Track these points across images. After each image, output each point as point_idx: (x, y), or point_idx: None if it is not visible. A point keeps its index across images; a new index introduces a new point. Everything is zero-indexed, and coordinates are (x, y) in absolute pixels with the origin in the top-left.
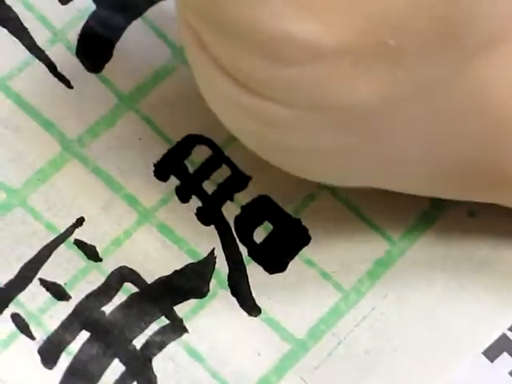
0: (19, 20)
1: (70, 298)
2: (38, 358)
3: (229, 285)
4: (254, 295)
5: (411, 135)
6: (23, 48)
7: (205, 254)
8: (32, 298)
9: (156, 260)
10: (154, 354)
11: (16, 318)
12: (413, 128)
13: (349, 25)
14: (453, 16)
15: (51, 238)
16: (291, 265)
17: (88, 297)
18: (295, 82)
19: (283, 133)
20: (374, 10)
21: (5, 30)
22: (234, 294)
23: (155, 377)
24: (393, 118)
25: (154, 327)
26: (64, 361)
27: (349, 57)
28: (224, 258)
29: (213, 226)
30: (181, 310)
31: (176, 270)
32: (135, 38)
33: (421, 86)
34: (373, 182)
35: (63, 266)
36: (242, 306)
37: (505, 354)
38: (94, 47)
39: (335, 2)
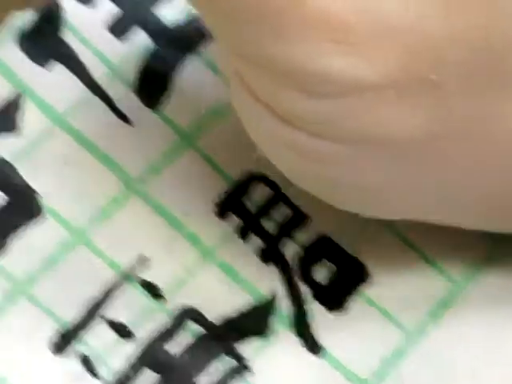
0: (77, 56)
1: (135, 337)
2: None
3: (291, 324)
4: (316, 334)
5: (452, 167)
6: (81, 84)
7: (267, 293)
8: (97, 337)
9: (219, 299)
10: None
11: (81, 357)
12: (451, 161)
13: (389, 58)
14: (493, 48)
15: (115, 277)
16: (352, 303)
17: (152, 336)
18: (336, 115)
19: (327, 167)
20: (413, 41)
21: (63, 67)
22: (296, 333)
23: None
24: (434, 151)
25: (218, 367)
26: None
27: (392, 90)
28: (286, 297)
29: (274, 265)
30: (244, 349)
31: (239, 310)
32: (193, 73)
33: (462, 121)
34: (417, 214)
35: (127, 305)
36: (304, 345)
37: None
38: (152, 83)
39: (375, 35)
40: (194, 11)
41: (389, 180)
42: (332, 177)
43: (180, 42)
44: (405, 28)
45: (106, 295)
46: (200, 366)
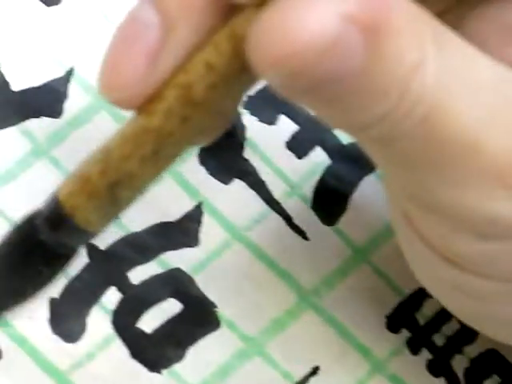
0: (257, 174)
1: None
2: None
3: None
4: None
5: None
6: (261, 200)
7: None
8: None
9: None
10: None
11: None
12: None
13: None
14: None
15: None
16: None
17: None
18: (503, 255)
19: (489, 304)
20: None
21: (244, 184)
22: None
23: None
24: None
25: None
26: None
27: None
28: None
29: (443, 379)
30: None
31: None
32: (369, 191)
33: None
34: None
35: None
36: None
37: None
38: (330, 200)
39: None
40: None
41: None
42: (493, 313)
43: (357, 160)
44: None
45: None
46: None
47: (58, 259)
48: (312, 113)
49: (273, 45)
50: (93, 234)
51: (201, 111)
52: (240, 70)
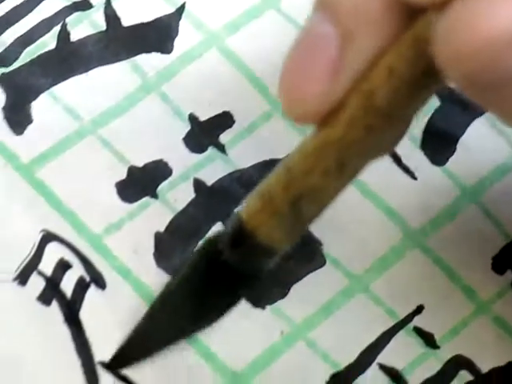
0: None
1: (407, 383)
2: None
3: None
4: None
5: None
6: None
7: None
8: (371, 382)
9: (491, 350)
10: None
11: None
12: None
13: None
14: None
15: (391, 324)
16: None
17: (424, 383)
18: None
19: None
20: None
21: None
22: None
23: None
24: None
25: None
26: None
27: None
28: None
29: None
30: None
31: (510, 362)
32: (479, 134)
33: None
34: None
35: (402, 352)
36: None
37: None
38: (439, 141)
39: None
40: None
41: None
42: None
43: (467, 103)
44: None
45: (382, 342)
46: None
47: (242, 281)
48: None
49: (463, 39)
50: (276, 253)
51: (384, 119)
52: (422, 74)
